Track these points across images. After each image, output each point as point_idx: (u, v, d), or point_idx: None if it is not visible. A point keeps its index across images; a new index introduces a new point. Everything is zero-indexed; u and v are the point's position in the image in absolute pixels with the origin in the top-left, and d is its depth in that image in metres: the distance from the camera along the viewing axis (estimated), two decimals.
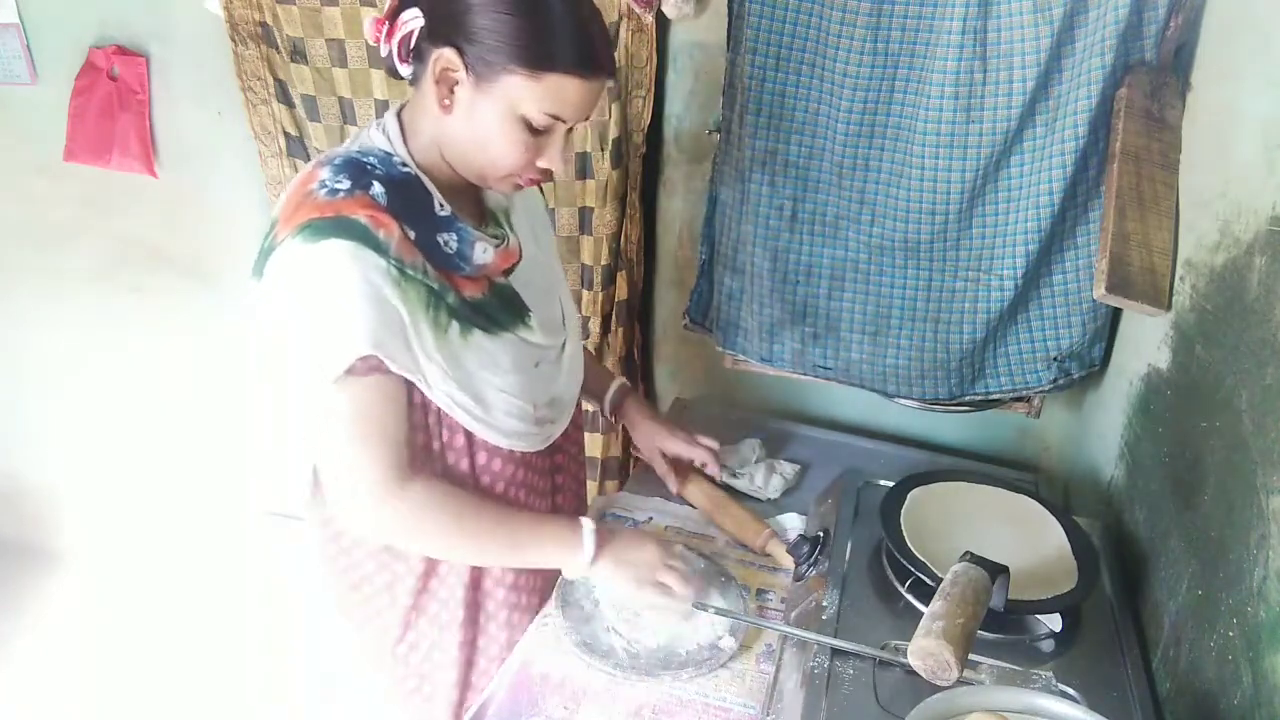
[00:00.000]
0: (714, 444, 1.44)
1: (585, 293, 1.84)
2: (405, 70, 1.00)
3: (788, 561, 1.26)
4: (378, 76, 1.78)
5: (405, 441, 1.04)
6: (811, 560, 1.21)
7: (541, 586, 1.25)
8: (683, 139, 1.75)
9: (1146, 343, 1.34)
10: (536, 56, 0.93)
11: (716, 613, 1.17)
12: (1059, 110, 1.38)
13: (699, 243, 1.74)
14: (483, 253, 1.05)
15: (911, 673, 0.92)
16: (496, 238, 1.09)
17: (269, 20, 1.78)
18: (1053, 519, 1.20)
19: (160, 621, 2.47)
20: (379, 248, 0.93)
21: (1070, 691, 0.97)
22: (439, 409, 1.06)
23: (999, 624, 1.04)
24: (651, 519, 1.44)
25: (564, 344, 1.21)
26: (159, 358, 2.38)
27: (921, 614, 0.94)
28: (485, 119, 0.97)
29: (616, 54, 1.63)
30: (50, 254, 2.31)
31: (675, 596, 1.14)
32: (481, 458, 1.13)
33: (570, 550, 1.11)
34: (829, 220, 1.58)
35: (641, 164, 1.74)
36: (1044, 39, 1.33)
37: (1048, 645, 1.06)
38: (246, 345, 1.06)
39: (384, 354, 0.95)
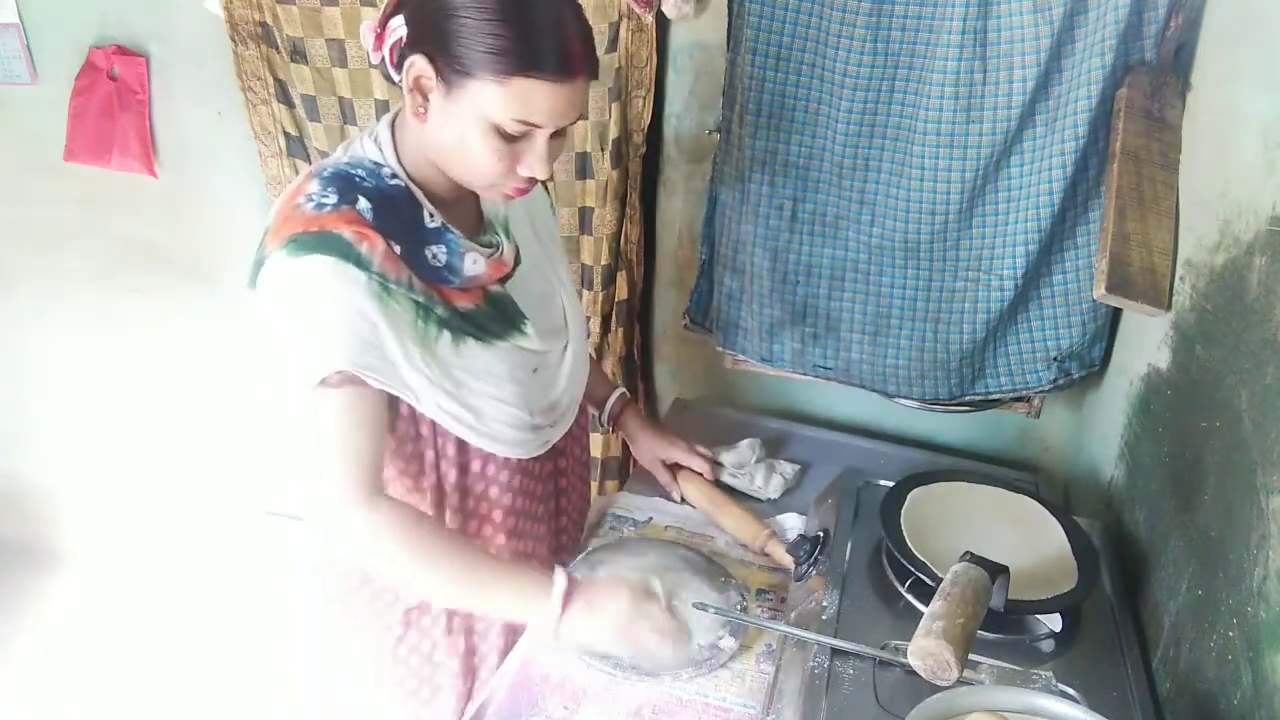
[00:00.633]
0: (708, 453, 1.47)
1: (585, 293, 1.84)
2: (396, 77, 0.99)
3: (787, 561, 1.26)
4: (378, 76, 1.78)
5: (378, 460, 1.03)
6: (811, 560, 1.21)
7: None
8: (683, 139, 1.75)
9: (1146, 343, 1.34)
10: (502, 61, 0.90)
11: (716, 613, 1.16)
12: (1059, 110, 1.38)
13: (699, 243, 1.74)
14: (473, 264, 1.05)
15: (911, 673, 0.92)
16: (490, 246, 1.08)
17: (269, 20, 1.78)
18: (1053, 519, 1.20)
19: (160, 621, 2.47)
20: (361, 263, 0.93)
21: (1070, 691, 0.97)
22: (429, 420, 1.06)
23: (999, 624, 1.04)
24: (651, 519, 1.44)
25: (565, 347, 1.20)
26: (159, 358, 2.38)
27: (921, 614, 0.94)
28: (458, 126, 0.95)
29: (616, 54, 1.63)
30: (50, 254, 2.31)
31: (652, 652, 1.09)
32: (477, 465, 1.13)
33: (535, 600, 1.05)
34: (829, 220, 1.58)
35: (641, 164, 1.74)
36: (1044, 39, 1.33)
37: (1048, 645, 1.06)
38: (246, 347, 1.07)
39: (359, 369, 0.96)
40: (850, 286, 1.61)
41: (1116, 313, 1.52)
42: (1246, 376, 1.00)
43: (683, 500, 1.45)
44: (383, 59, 0.98)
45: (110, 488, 2.61)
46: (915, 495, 1.22)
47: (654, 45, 1.63)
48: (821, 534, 1.24)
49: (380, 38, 0.97)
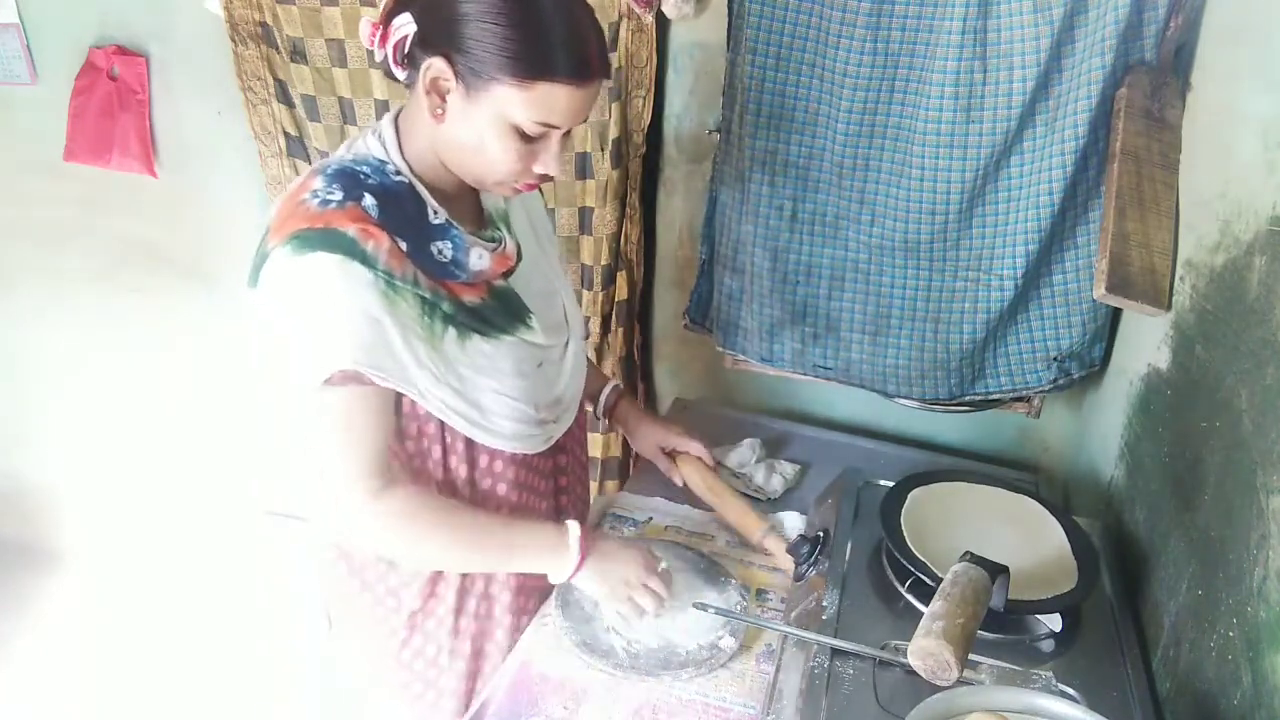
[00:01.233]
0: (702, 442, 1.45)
1: (585, 293, 1.84)
2: (401, 74, 0.99)
3: (785, 559, 1.26)
4: (378, 76, 1.78)
5: (384, 451, 1.04)
6: (811, 560, 1.21)
7: (546, 590, 1.25)
8: (683, 139, 1.75)
9: (1146, 343, 1.34)
10: (525, 66, 0.92)
11: (716, 613, 1.17)
12: (1059, 110, 1.38)
13: (699, 243, 1.74)
14: (478, 258, 1.05)
15: (911, 673, 0.92)
16: (493, 241, 1.09)
17: (269, 20, 1.78)
18: (1053, 519, 1.20)
19: (161, 621, 2.47)
20: (366, 260, 0.94)
21: (1070, 691, 0.97)
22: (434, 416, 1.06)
23: (999, 624, 1.04)
24: (651, 519, 1.44)
25: (567, 343, 1.21)
26: (159, 357, 2.38)
27: (921, 614, 0.94)
28: (477, 128, 0.96)
29: (616, 54, 1.63)
30: (50, 254, 2.31)
31: (646, 613, 1.16)
32: (483, 460, 1.13)
33: (555, 555, 1.12)
34: (829, 220, 1.58)
35: (641, 164, 1.74)
36: (1044, 39, 1.33)
37: (1048, 645, 1.06)
38: (246, 346, 1.07)
39: (365, 367, 0.96)
40: (850, 286, 1.61)
41: (1116, 313, 1.52)
42: (1246, 376, 1.00)
43: (684, 485, 1.44)
44: (385, 55, 0.98)
45: (110, 488, 2.61)
46: (915, 495, 1.22)
47: (654, 45, 1.63)
48: (821, 534, 1.24)
49: (385, 34, 0.97)
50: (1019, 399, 1.67)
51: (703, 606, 1.17)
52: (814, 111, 1.51)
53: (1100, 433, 1.55)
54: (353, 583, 1.19)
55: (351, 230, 0.94)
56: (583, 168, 1.74)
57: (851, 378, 1.68)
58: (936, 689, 0.90)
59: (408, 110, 1.04)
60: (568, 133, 1.01)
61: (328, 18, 1.73)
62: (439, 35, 0.93)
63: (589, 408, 1.46)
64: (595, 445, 1.94)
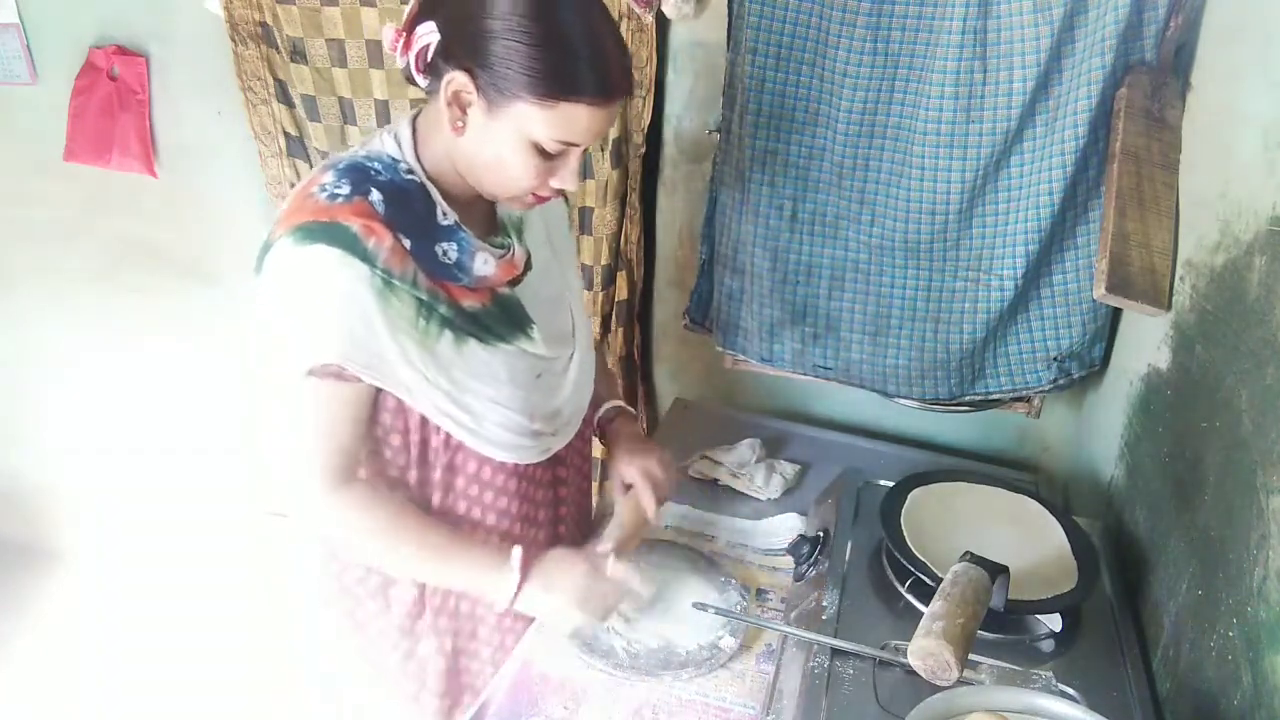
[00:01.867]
0: (663, 481, 1.27)
1: (585, 293, 1.84)
2: (422, 81, 0.99)
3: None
4: (378, 76, 1.78)
5: (352, 452, 1.05)
6: (811, 560, 1.21)
7: None
8: (683, 139, 1.75)
9: (1146, 343, 1.34)
10: (549, 86, 0.92)
11: (716, 613, 1.17)
12: (1059, 110, 1.38)
13: (699, 243, 1.74)
14: (484, 263, 1.05)
15: (911, 673, 0.92)
16: (501, 248, 1.09)
17: (269, 20, 1.78)
18: (1053, 519, 1.20)
19: (160, 621, 2.47)
20: (365, 257, 0.94)
21: (1070, 691, 0.97)
22: (420, 418, 1.06)
23: (999, 624, 1.04)
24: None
25: (571, 355, 1.19)
26: (159, 357, 2.38)
27: (921, 614, 0.94)
28: (497, 143, 0.96)
29: None
30: (50, 254, 2.31)
31: (610, 618, 1.13)
32: (472, 466, 1.13)
33: (494, 574, 1.07)
34: (829, 220, 1.58)
35: (641, 164, 1.74)
36: (1044, 39, 1.33)
37: (1048, 645, 1.06)
38: (247, 345, 1.07)
39: (351, 363, 0.97)
40: (850, 286, 1.61)
41: (1116, 313, 1.52)
42: (1246, 376, 1.00)
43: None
44: (408, 62, 0.98)
45: (110, 488, 2.61)
46: (915, 495, 1.22)
47: (654, 45, 1.63)
48: (821, 534, 1.24)
49: (408, 42, 0.97)
50: (1019, 399, 1.67)
51: (703, 606, 1.17)
52: (814, 111, 1.51)
53: (1100, 433, 1.55)
54: (344, 579, 1.19)
55: (354, 225, 0.94)
56: (583, 168, 1.74)
57: (851, 378, 1.68)
58: (936, 689, 0.90)
59: (426, 114, 1.04)
60: (585, 149, 1.01)
61: (328, 18, 1.73)
62: (463, 49, 0.93)
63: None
64: (595, 445, 1.93)
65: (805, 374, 1.72)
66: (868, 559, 1.18)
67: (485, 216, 1.11)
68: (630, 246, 1.80)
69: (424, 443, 1.10)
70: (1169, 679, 1.07)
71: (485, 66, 0.92)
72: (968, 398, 1.65)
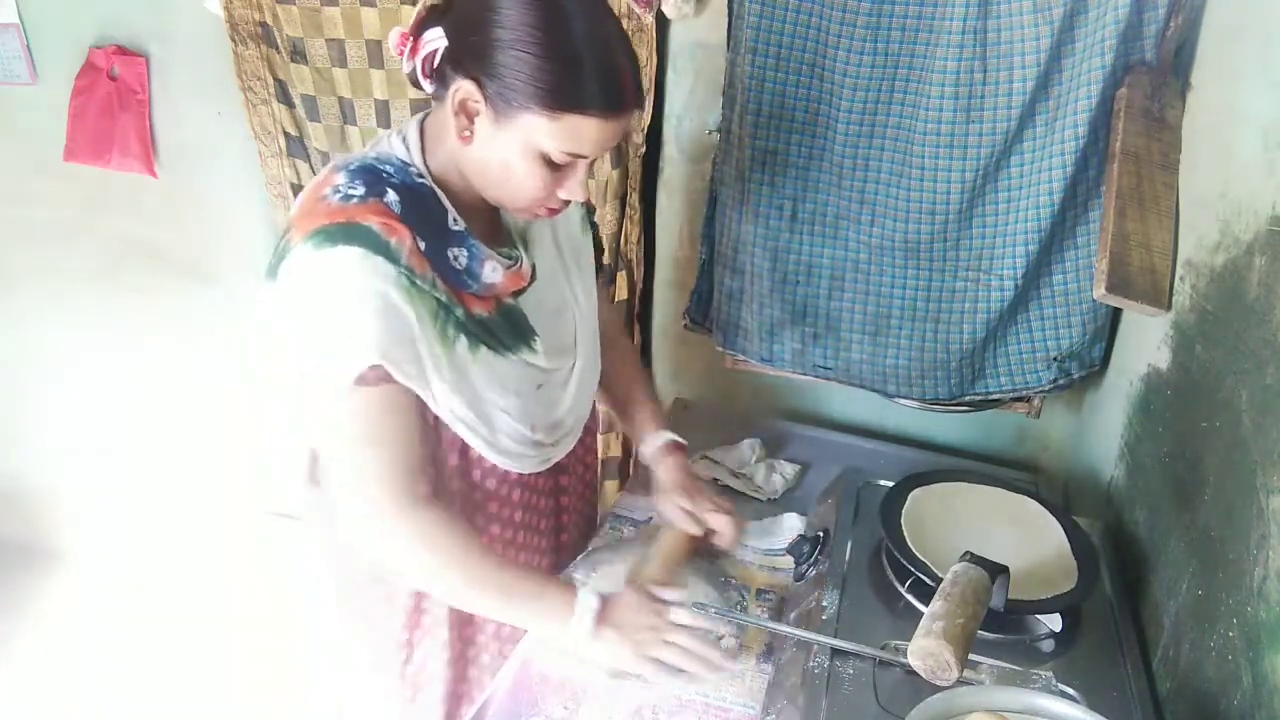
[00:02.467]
0: (728, 513, 1.27)
1: None
2: (428, 86, 0.98)
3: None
4: (378, 76, 1.78)
5: (418, 455, 1.02)
6: (811, 560, 1.21)
7: None
8: (683, 139, 1.75)
9: (1146, 343, 1.34)
10: (557, 98, 0.90)
11: (716, 613, 1.16)
12: (1059, 110, 1.38)
13: (699, 243, 1.74)
14: (492, 272, 1.03)
15: (911, 673, 0.92)
16: (509, 259, 1.07)
17: (269, 20, 1.78)
18: (1053, 519, 1.20)
19: (161, 621, 2.47)
20: (390, 255, 0.92)
21: (1070, 691, 0.97)
22: (438, 423, 1.05)
23: (999, 624, 1.04)
24: (651, 519, 1.44)
25: (573, 365, 1.18)
26: (159, 357, 2.38)
27: (921, 614, 0.94)
28: (504, 153, 0.95)
29: None
30: (50, 254, 2.31)
31: (677, 670, 1.08)
32: (476, 474, 1.12)
33: (563, 620, 1.05)
34: (829, 220, 1.58)
35: (641, 164, 1.74)
36: (1044, 39, 1.33)
37: (1048, 645, 1.06)
38: (247, 345, 1.06)
39: (391, 364, 0.94)
40: (850, 286, 1.61)
41: (1116, 313, 1.52)
42: (1246, 376, 1.00)
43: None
44: (414, 67, 0.97)
45: (110, 488, 2.61)
46: (915, 495, 1.22)
47: (654, 45, 1.63)
48: (821, 534, 1.24)
49: (415, 46, 0.96)
50: (1019, 399, 1.67)
51: (703, 606, 1.16)
52: (814, 111, 1.51)
53: (1100, 433, 1.55)
54: (347, 579, 1.19)
55: (375, 224, 0.92)
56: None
57: (851, 378, 1.68)
58: (936, 689, 0.90)
59: (434, 120, 1.02)
60: (593, 161, 1.00)
61: (328, 18, 1.73)
62: (470, 57, 0.92)
63: (635, 448, 1.36)
64: (612, 445, 1.94)
65: (805, 374, 1.72)
66: (868, 559, 1.18)
67: (490, 225, 1.09)
68: (630, 246, 1.80)
69: (442, 449, 1.08)
70: (1169, 679, 1.07)
71: (493, 76, 0.91)
72: (968, 398, 1.65)
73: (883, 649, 1.01)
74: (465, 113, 0.94)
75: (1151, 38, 1.31)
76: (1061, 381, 1.57)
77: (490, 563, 1.05)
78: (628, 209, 1.77)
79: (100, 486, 2.62)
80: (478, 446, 1.07)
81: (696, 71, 1.67)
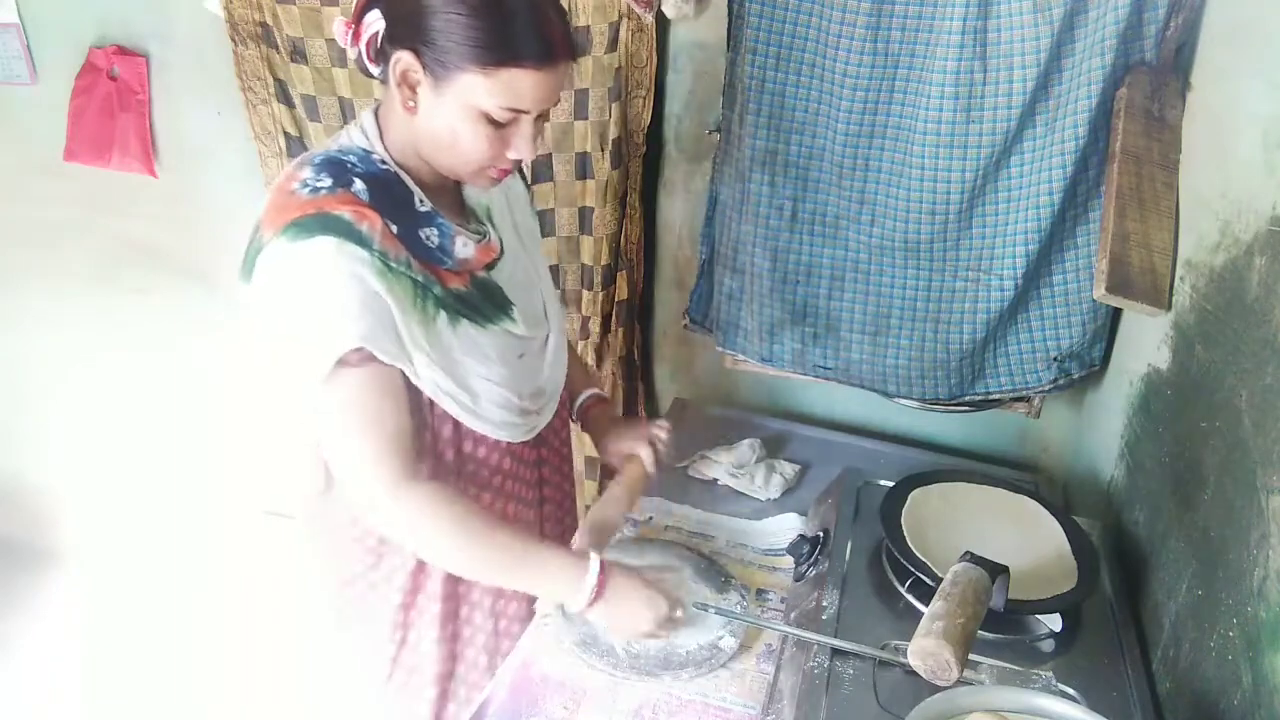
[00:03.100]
0: (664, 439, 1.33)
1: (585, 293, 1.84)
2: (375, 70, 1.01)
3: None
4: None
5: (408, 433, 1.03)
6: (811, 560, 1.21)
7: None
8: (683, 139, 1.75)
9: (1146, 343, 1.34)
10: (489, 54, 0.93)
11: (716, 613, 1.17)
12: (1059, 110, 1.38)
13: (699, 243, 1.74)
14: (463, 247, 1.07)
15: (911, 673, 0.92)
16: (477, 233, 1.11)
17: (269, 20, 1.77)
18: (1053, 519, 1.20)
19: (160, 621, 2.47)
20: (363, 241, 0.95)
21: (1070, 691, 0.97)
22: (428, 399, 1.07)
23: (999, 624, 1.04)
24: (651, 519, 1.44)
25: (547, 336, 1.22)
26: (158, 357, 2.38)
27: (921, 614, 0.94)
28: (447, 118, 0.98)
29: (616, 54, 1.63)
30: (50, 254, 2.31)
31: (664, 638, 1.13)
32: (468, 446, 1.14)
33: (568, 585, 1.08)
34: (829, 220, 1.58)
35: (641, 164, 1.74)
36: (1044, 39, 1.33)
37: (1048, 645, 1.06)
38: (248, 345, 1.06)
39: (373, 346, 0.97)
40: (850, 286, 1.61)
41: (1116, 313, 1.52)
42: (1246, 376, 1.00)
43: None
44: (359, 53, 0.99)
45: (110, 488, 2.61)
46: (915, 495, 1.22)
47: (654, 45, 1.63)
48: (821, 534, 1.24)
49: (357, 32, 0.98)
50: (1019, 399, 1.67)
51: (703, 606, 1.17)
52: (814, 111, 1.51)
53: (1100, 433, 1.55)
54: (339, 576, 1.19)
55: (346, 213, 0.95)
56: (583, 168, 1.74)
57: (851, 378, 1.68)
58: (936, 689, 0.90)
59: (384, 105, 1.05)
60: (540, 116, 1.02)
61: (328, 18, 1.73)
62: (405, 29, 0.95)
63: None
64: (588, 444, 1.93)
65: (805, 374, 1.72)
66: (868, 559, 1.18)
67: (454, 203, 1.13)
68: (630, 246, 1.80)
69: (433, 424, 1.10)
70: (1169, 679, 1.07)
71: (428, 43, 0.94)
72: (968, 398, 1.65)
73: (883, 649, 1.01)
74: (407, 83, 0.97)
75: (1151, 38, 1.31)
76: (1061, 381, 1.57)
77: (496, 530, 1.08)
78: (628, 209, 1.77)
79: (100, 486, 2.62)
80: (462, 417, 1.09)
81: (696, 71, 1.67)
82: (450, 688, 1.24)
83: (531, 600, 1.21)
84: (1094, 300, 1.39)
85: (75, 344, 2.43)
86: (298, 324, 0.96)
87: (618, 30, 1.62)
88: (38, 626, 2.52)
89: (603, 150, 1.70)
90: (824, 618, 1.07)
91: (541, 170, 1.74)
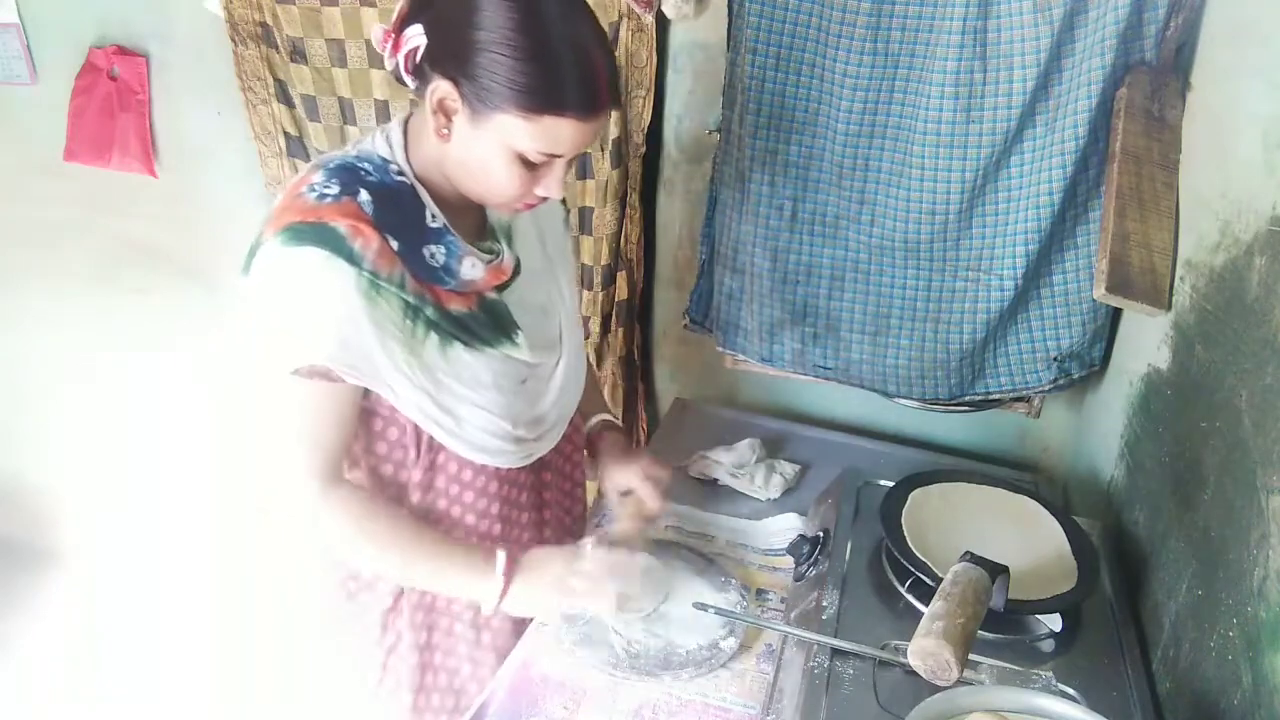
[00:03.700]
0: (663, 477, 1.30)
1: (585, 293, 1.84)
2: (410, 82, 1.00)
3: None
4: (378, 76, 1.78)
5: (340, 451, 1.05)
6: (811, 560, 1.21)
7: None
8: (683, 139, 1.75)
9: (1146, 343, 1.34)
10: (533, 100, 0.92)
11: (716, 613, 1.17)
12: (1059, 110, 1.38)
13: (699, 243, 1.74)
14: (471, 268, 1.05)
15: (911, 673, 0.92)
16: (490, 254, 1.09)
17: (269, 20, 1.78)
18: (1053, 519, 1.20)
19: (159, 621, 2.47)
20: (352, 258, 0.94)
21: (1070, 691, 0.97)
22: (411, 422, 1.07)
23: (999, 624, 1.04)
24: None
25: (558, 361, 1.19)
26: (158, 357, 2.38)
27: (921, 614, 0.94)
28: (481, 152, 0.97)
29: (616, 54, 1.63)
30: (50, 254, 2.31)
31: (590, 604, 1.12)
32: (452, 468, 1.13)
33: (481, 577, 1.08)
34: (829, 220, 1.58)
35: (641, 164, 1.74)
36: (1044, 39, 1.33)
37: (1048, 645, 1.06)
38: (245, 344, 1.07)
39: (338, 364, 0.97)
40: (850, 286, 1.61)
41: (1116, 313, 1.52)
42: (1246, 376, 1.00)
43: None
44: (397, 64, 0.98)
45: (110, 488, 2.61)
46: (915, 495, 1.22)
47: (654, 45, 1.63)
48: (821, 534, 1.24)
49: (397, 43, 0.97)
50: (1019, 399, 1.67)
51: (703, 606, 1.17)
52: (814, 111, 1.51)
53: (1100, 433, 1.55)
54: (333, 576, 1.19)
55: (341, 226, 0.94)
56: (583, 168, 1.74)
57: (851, 378, 1.68)
58: (936, 689, 0.90)
59: (417, 117, 1.04)
60: (572, 159, 1.01)
61: (328, 18, 1.73)
62: (448, 57, 0.93)
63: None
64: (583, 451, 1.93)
65: (805, 374, 1.72)
66: (868, 559, 1.18)
67: (475, 221, 1.11)
68: (630, 246, 1.80)
69: (415, 446, 1.10)
70: (1169, 679, 1.07)
71: (470, 77, 0.92)
72: (968, 398, 1.65)
73: (883, 649, 1.01)
74: (443, 111, 0.96)
75: (1151, 38, 1.31)
76: (1061, 381, 1.57)
77: (411, 532, 1.09)
78: (628, 209, 1.77)
79: (100, 486, 2.62)
80: (443, 440, 1.09)
81: (696, 71, 1.67)
82: (426, 699, 1.23)
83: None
84: (1094, 300, 1.39)
85: (75, 344, 2.43)
86: (270, 326, 0.98)
87: (618, 30, 1.62)
88: (38, 626, 2.52)
89: (603, 150, 1.70)
90: (824, 618, 1.07)
91: None
